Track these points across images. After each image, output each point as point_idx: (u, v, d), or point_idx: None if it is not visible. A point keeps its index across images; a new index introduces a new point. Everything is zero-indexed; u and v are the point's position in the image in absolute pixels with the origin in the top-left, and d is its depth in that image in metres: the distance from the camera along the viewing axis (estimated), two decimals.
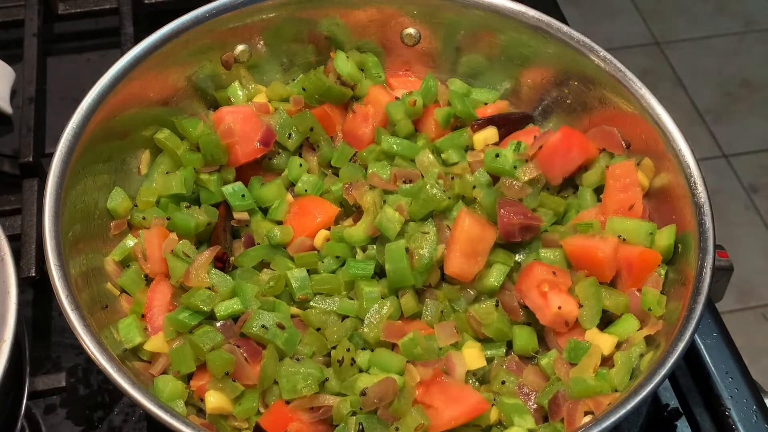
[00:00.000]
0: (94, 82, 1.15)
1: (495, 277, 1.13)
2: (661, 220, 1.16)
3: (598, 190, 1.22)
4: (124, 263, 1.16)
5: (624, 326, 1.10)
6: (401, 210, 1.15)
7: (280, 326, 1.07)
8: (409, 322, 1.12)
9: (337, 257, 1.17)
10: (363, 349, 1.10)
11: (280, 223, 1.20)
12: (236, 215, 1.21)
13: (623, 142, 1.21)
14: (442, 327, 1.11)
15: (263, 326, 1.06)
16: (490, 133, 1.27)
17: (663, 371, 0.96)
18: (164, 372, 1.07)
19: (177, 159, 1.22)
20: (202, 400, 1.05)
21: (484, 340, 1.13)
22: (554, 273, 1.12)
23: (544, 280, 1.11)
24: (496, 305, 1.12)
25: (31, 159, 1.33)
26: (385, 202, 1.18)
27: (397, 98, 1.29)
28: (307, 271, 1.15)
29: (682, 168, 1.12)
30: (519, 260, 1.18)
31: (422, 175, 1.21)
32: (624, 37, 3.41)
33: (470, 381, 1.09)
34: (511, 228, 1.14)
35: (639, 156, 1.20)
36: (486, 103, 1.32)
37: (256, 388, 1.05)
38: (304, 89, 1.29)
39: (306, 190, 1.23)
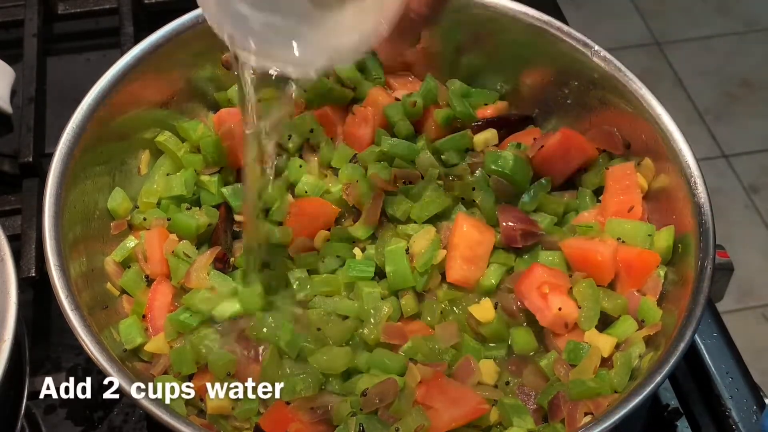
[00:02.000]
0: (94, 82, 1.15)
1: (493, 276, 1.14)
2: (661, 220, 1.16)
3: (598, 191, 1.22)
4: (125, 264, 1.16)
5: (623, 327, 1.10)
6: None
7: (282, 327, 1.07)
8: (409, 323, 1.12)
9: (338, 257, 1.17)
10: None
11: (280, 224, 1.20)
12: (237, 218, 1.21)
13: (623, 143, 1.21)
14: (444, 328, 1.11)
15: (265, 328, 1.06)
16: (490, 135, 1.27)
17: (663, 372, 0.96)
18: (165, 372, 1.07)
19: (178, 161, 1.22)
20: (202, 400, 1.05)
21: (484, 341, 1.13)
22: (554, 275, 1.12)
23: (544, 282, 1.11)
24: (495, 307, 1.12)
25: (31, 159, 1.33)
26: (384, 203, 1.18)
27: (397, 99, 1.29)
28: (308, 271, 1.15)
29: (682, 168, 1.12)
30: (518, 262, 1.17)
31: (422, 176, 1.22)
32: (624, 37, 3.41)
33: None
34: (513, 233, 1.15)
35: (639, 156, 1.20)
36: (486, 104, 1.32)
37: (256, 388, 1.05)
38: (305, 91, 1.29)
39: (306, 191, 1.23)
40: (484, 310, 1.11)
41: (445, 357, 1.09)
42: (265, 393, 1.04)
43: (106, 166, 1.18)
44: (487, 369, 1.08)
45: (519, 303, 1.12)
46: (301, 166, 1.25)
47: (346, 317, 1.12)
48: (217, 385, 1.04)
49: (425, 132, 1.28)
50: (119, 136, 1.19)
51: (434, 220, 1.18)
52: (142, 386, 0.95)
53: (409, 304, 1.12)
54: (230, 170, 1.23)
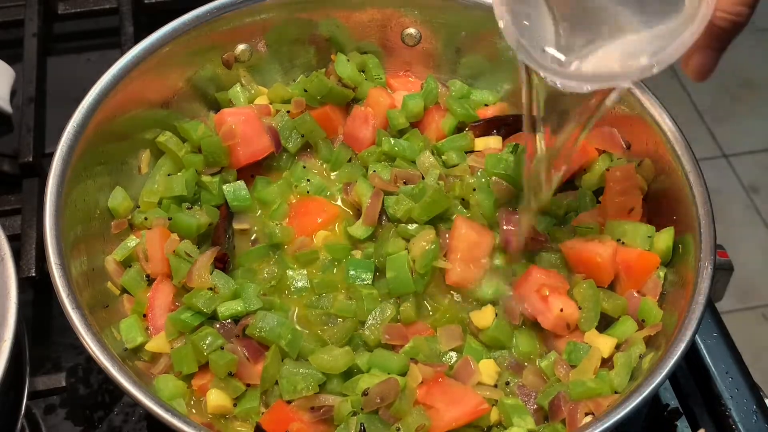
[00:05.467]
0: (94, 82, 1.15)
1: (489, 289, 1.14)
2: (661, 220, 1.16)
3: (598, 192, 1.22)
4: (126, 263, 1.16)
5: (623, 328, 1.10)
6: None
7: (283, 327, 1.07)
8: (410, 324, 1.12)
9: (337, 257, 1.17)
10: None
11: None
12: (237, 225, 1.21)
13: (623, 143, 1.21)
14: (446, 330, 1.11)
15: (266, 327, 1.06)
16: (492, 141, 1.27)
17: (663, 372, 0.96)
18: (165, 372, 1.07)
19: (179, 161, 1.22)
20: (203, 399, 1.06)
21: (485, 347, 1.13)
22: (551, 277, 1.12)
23: (543, 285, 1.11)
24: (495, 315, 1.12)
25: (31, 159, 1.33)
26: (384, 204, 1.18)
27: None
28: (307, 271, 1.15)
29: (682, 168, 1.12)
30: (518, 264, 1.17)
31: (423, 177, 1.22)
32: None
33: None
34: (513, 238, 1.15)
35: (639, 157, 1.20)
36: (486, 104, 1.32)
37: (257, 387, 1.05)
38: (305, 91, 1.29)
39: (308, 191, 1.23)
40: (483, 319, 1.12)
41: (446, 359, 1.10)
42: (266, 393, 1.04)
43: (106, 165, 1.18)
44: (488, 369, 1.08)
45: (520, 307, 1.12)
46: (304, 167, 1.25)
47: (345, 318, 1.12)
48: (219, 384, 1.04)
49: (427, 132, 1.28)
50: (120, 136, 1.19)
51: (434, 220, 1.18)
52: (143, 386, 0.95)
53: (408, 312, 1.12)
54: (231, 171, 1.23)
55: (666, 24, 0.91)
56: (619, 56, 0.93)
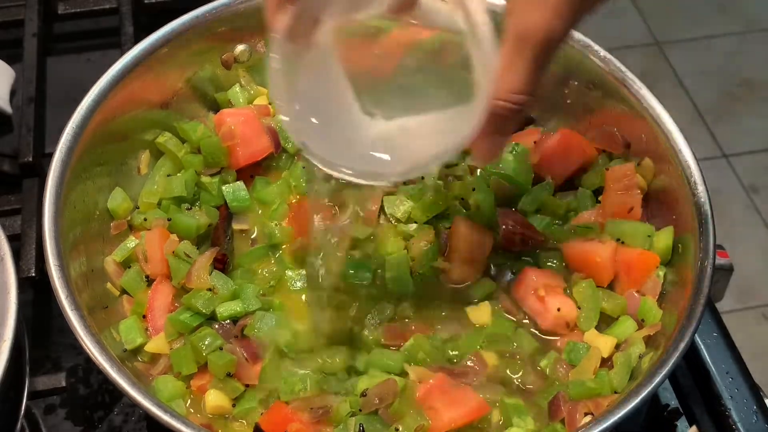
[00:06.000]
0: (94, 82, 1.15)
1: (488, 292, 1.14)
2: (661, 220, 1.16)
3: (598, 192, 1.22)
4: (125, 264, 1.16)
5: (622, 327, 1.10)
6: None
7: (282, 327, 1.07)
8: (410, 322, 1.12)
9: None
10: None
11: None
12: (236, 225, 1.21)
13: (623, 143, 1.21)
14: (445, 325, 1.11)
15: (265, 328, 1.06)
16: None
17: (663, 372, 0.96)
18: (165, 372, 1.07)
19: (178, 162, 1.22)
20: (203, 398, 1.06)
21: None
22: (546, 276, 1.12)
23: (539, 285, 1.11)
24: (492, 310, 1.12)
25: (31, 159, 1.33)
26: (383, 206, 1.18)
27: None
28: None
29: (682, 168, 1.12)
30: (517, 264, 1.18)
31: (422, 176, 1.22)
32: (624, 37, 3.41)
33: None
34: (512, 236, 1.15)
35: (639, 157, 1.20)
36: None
37: (256, 387, 1.05)
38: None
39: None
40: (481, 314, 1.12)
41: (447, 353, 1.10)
42: (264, 393, 1.04)
43: (106, 166, 1.18)
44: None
45: (518, 307, 1.13)
46: (304, 167, 1.25)
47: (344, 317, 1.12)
48: (218, 384, 1.04)
49: None
50: (119, 137, 1.19)
51: (434, 220, 1.18)
52: (142, 386, 0.95)
53: (406, 312, 1.12)
54: (230, 171, 1.23)
55: (462, 107, 0.88)
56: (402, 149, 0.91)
